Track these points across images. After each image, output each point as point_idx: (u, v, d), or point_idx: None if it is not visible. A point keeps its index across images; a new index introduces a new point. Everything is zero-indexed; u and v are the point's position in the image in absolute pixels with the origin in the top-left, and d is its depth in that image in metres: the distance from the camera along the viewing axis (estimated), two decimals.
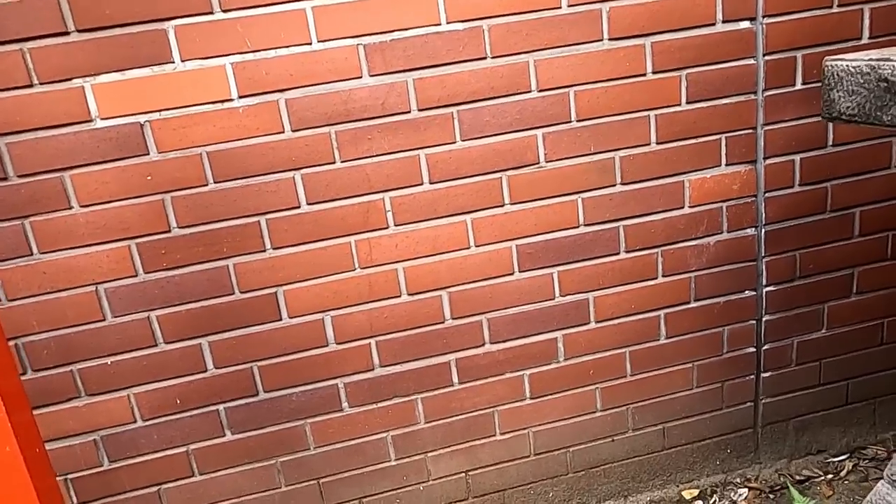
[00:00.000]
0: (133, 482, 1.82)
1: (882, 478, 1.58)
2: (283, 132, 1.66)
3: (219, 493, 1.88)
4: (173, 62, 1.56)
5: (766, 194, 1.94)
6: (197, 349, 1.76)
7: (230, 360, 1.78)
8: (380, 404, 1.91)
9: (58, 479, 1.75)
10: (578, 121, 1.79)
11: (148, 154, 1.61)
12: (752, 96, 1.85)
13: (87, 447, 1.77)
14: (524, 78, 1.73)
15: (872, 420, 2.26)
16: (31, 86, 1.52)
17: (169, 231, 1.67)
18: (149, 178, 1.62)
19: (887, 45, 1.86)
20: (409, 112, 1.70)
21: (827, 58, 1.36)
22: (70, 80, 1.53)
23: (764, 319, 2.06)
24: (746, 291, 2.03)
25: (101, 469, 1.79)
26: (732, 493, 2.16)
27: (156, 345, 1.74)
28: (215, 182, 1.65)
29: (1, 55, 1.48)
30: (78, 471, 1.78)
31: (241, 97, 1.61)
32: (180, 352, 1.75)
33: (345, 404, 1.88)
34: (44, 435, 1.33)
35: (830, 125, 1.92)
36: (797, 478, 2.18)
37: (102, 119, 1.57)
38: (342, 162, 1.70)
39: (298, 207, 1.71)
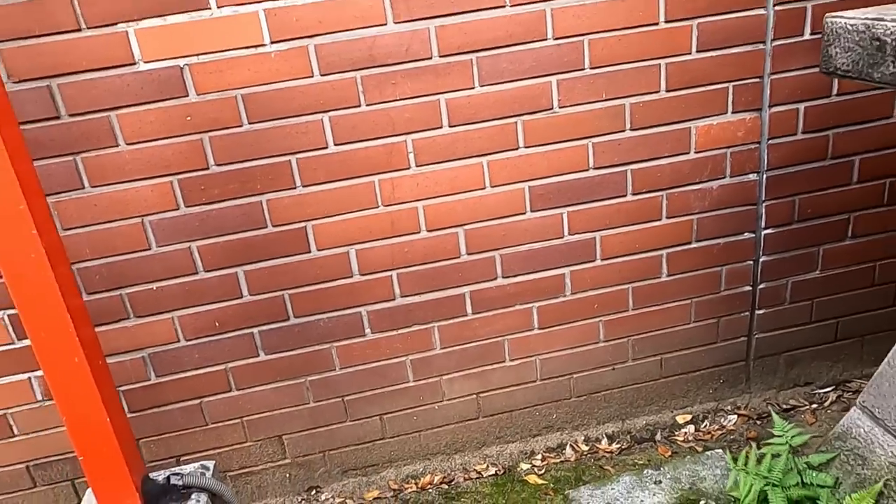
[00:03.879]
0: (177, 395, 2.02)
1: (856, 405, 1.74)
2: (312, 76, 1.76)
3: (254, 407, 2.09)
4: (210, 8, 1.66)
5: (770, 141, 2.03)
6: (233, 277, 1.92)
7: (264, 288, 1.95)
8: (400, 331, 2.07)
9: None
10: (592, 68, 1.87)
11: (187, 96, 1.72)
12: (761, 46, 1.92)
13: (136, 363, 1.96)
14: (541, 26, 1.80)
15: (860, 356, 2.40)
16: (79, 30, 1.62)
17: (207, 168, 1.80)
18: (188, 118, 1.74)
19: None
20: (430, 58, 1.79)
21: (828, 14, 1.44)
22: (115, 24, 1.63)
23: (761, 260, 2.18)
24: (746, 233, 2.14)
25: (149, 383, 1.99)
26: (722, 419, 2.34)
27: (196, 272, 1.90)
28: (249, 123, 1.77)
29: (52, 0, 1.59)
30: (129, 384, 1.98)
31: (272, 42, 1.71)
32: (218, 279, 1.91)
33: (368, 330, 2.05)
34: None
35: None
36: (784, 406, 2.35)
37: (145, 62, 1.68)
38: (367, 105, 1.81)
39: (326, 148, 1.83)
